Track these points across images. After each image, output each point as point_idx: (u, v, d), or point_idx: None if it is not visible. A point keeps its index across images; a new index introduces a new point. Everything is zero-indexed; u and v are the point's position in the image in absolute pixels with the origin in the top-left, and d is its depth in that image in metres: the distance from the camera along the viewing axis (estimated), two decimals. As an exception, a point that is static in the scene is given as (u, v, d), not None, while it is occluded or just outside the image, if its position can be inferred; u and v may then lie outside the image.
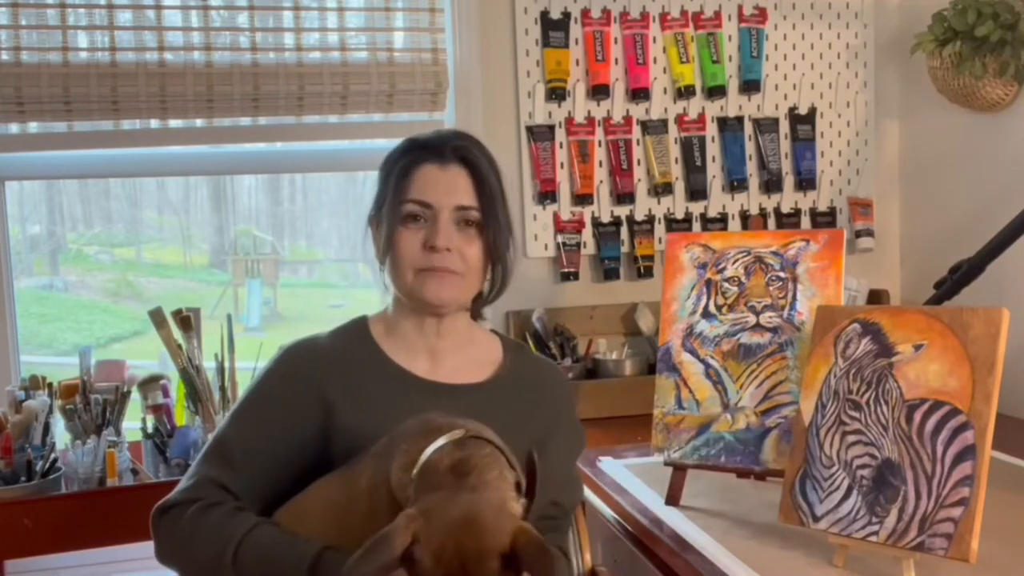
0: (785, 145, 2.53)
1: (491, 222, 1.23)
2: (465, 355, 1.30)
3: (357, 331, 1.29)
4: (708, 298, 1.53)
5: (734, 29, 2.48)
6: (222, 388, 1.90)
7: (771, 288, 1.48)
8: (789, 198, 2.54)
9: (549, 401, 1.32)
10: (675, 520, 1.46)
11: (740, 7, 2.47)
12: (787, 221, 2.52)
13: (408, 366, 1.26)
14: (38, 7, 2.10)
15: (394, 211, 1.22)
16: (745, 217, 2.51)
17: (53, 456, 1.84)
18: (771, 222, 2.52)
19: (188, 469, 1.22)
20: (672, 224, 2.45)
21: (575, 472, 1.36)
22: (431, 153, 1.23)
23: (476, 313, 1.35)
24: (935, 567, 1.22)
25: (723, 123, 2.48)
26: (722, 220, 2.49)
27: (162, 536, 1.16)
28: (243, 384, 1.91)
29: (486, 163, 1.24)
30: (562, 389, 1.36)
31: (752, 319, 1.48)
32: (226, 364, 1.90)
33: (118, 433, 1.89)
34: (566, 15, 2.38)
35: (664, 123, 2.45)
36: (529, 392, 1.30)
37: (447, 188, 1.21)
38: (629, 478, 1.70)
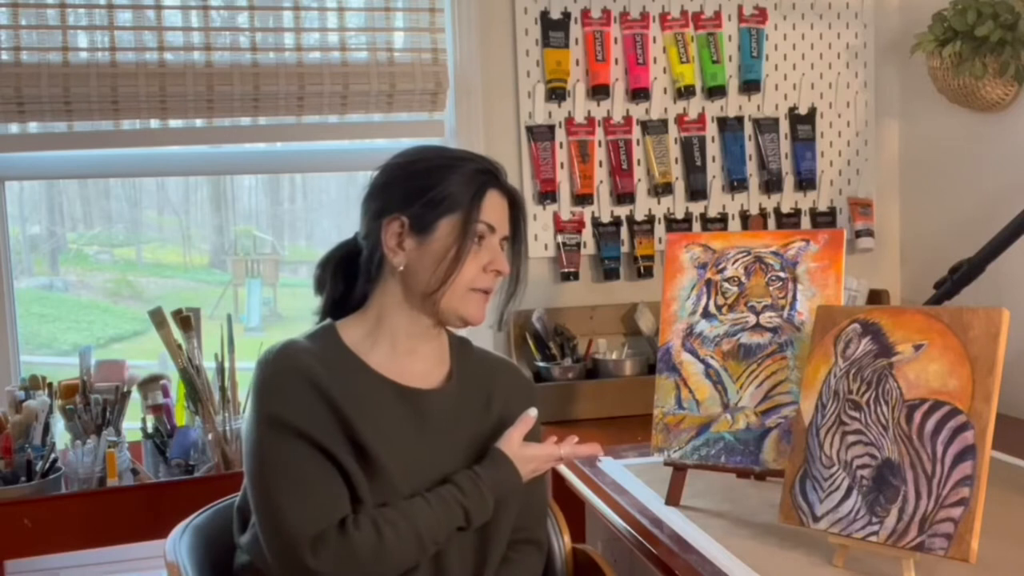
0: (785, 145, 2.53)
1: (519, 253, 1.33)
2: (435, 355, 1.33)
3: (329, 337, 1.28)
4: (708, 298, 1.53)
5: (734, 29, 2.48)
6: (222, 388, 1.90)
7: (771, 288, 1.48)
8: (789, 198, 2.54)
9: (500, 409, 1.33)
10: (675, 520, 1.46)
11: (740, 7, 2.47)
12: (787, 221, 2.52)
13: (383, 369, 1.27)
14: (38, 7, 2.10)
15: (467, 229, 1.24)
16: (745, 217, 2.51)
17: (53, 456, 1.84)
18: (771, 222, 2.52)
19: (261, 504, 1.19)
20: (672, 224, 2.45)
21: (538, 499, 1.38)
22: (497, 179, 1.29)
23: None
24: (935, 567, 1.22)
25: (723, 123, 2.48)
26: (722, 220, 2.49)
27: (334, 564, 1.15)
28: (243, 384, 1.91)
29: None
30: (515, 399, 1.35)
31: (752, 319, 1.48)
32: (226, 364, 1.90)
33: (118, 433, 1.89)
34: (566, 15, 2.38)
35: (664, 123, 2.45)
36: (476, 393, 1.32)
37: (504, 216, 1.29)
38: (629, 478, 1.70)
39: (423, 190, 1.24)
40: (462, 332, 1.40)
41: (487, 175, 1.27)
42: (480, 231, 1.25)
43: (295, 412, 1.18)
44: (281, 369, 1.21)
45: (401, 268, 1.25)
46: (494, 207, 1.27)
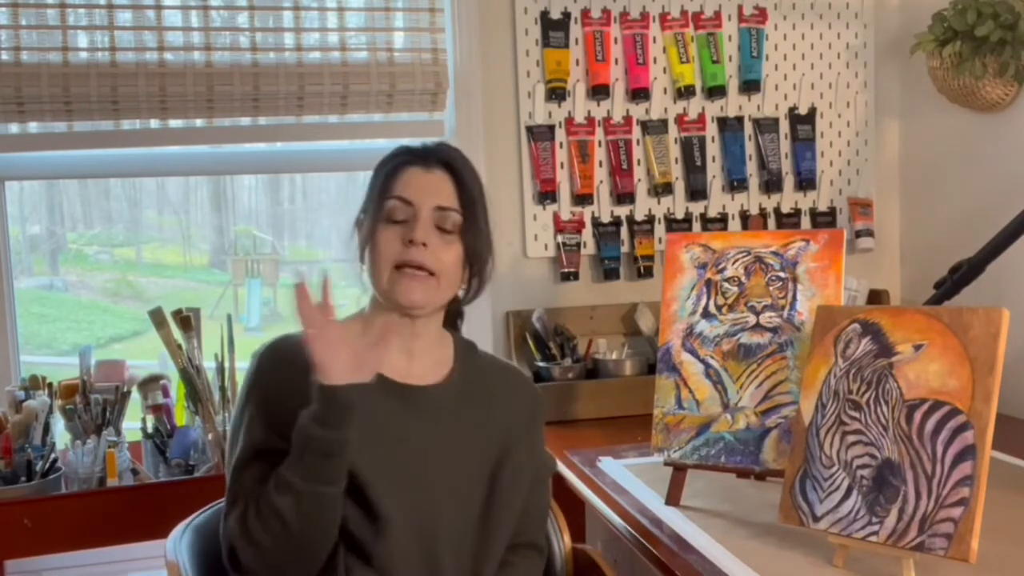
0: (785, 145, 2.53)
1: (471, 226, 1.26)
2: (435, 355, 1.33)
3: None
4: (708, 298, 1.53)
5: (734, 29, 2.48)
6: (222, 388, 1.90)
7: (771, 288, 1.48)
8: (789, 198, 2.54)
9: (504, 411, 1.33)
10: (675, 520, 1.47)
11: (740, 7, 2.47)
12: (787, 221, 2.52)
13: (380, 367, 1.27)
14: (38, 7, 2.10)
15: (377, 208, 1.25)
16: (745, 217, 2.51)
17: (53, 456, 1.84)
18: (771, 222, 2.52)
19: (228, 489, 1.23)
20: (672, 224, 2.45)
21: (542, 501, 1.37)
22: (416, 157, 1.27)
23: (453, 322, 1.38)
24: (935, 567, 1.22)
25: (723, 123, 2.48)
26: (722, 220, 2.49)
27: (242, 544, 1.17)
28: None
29: (469, 172, 1.28)
30: (521, 402, 1.36)
31: (752, 319, 1.49)
32: (226, 364, 1.90)
33: (118, 433, 1.89)
34: (566, 15, 2.38)
35: (664, 123, 2.45)
36: (476, 392, 1.32)
37: (429, 189, 1.25)
38: (629, 478, 1.70)
39: (368, 189, 1.30)
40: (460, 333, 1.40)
41: (404, 155, 1.28)
42: (391, 206, 1.24)
43: (266, 407, 1.21)
44: (262, 363, 1.25)
45: (362, 264, 1.28)
46: (411, 183, 1.25)
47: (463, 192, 1.26)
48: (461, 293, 1.33)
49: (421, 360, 1.30)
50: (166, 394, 1.96)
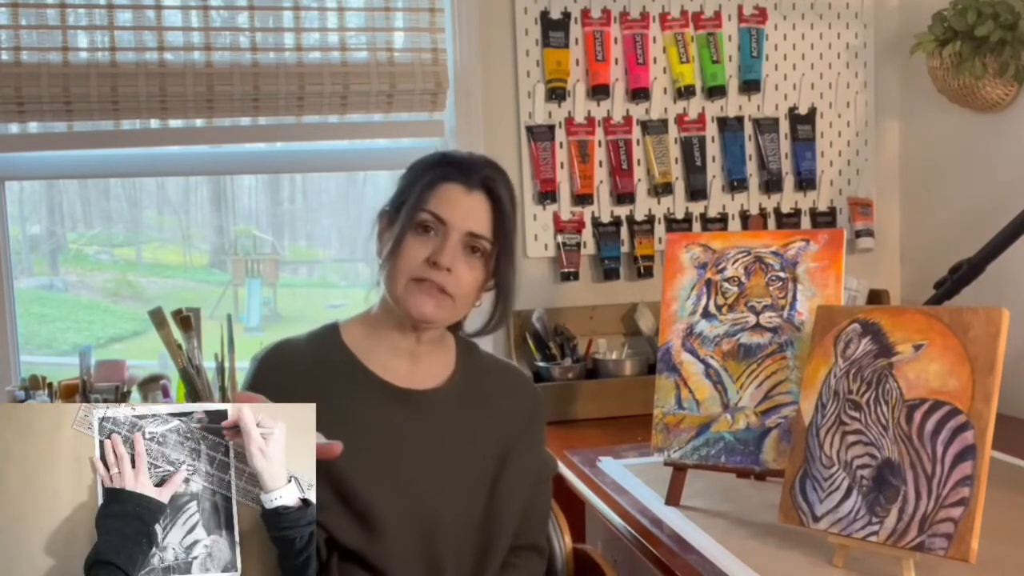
0: (785, 145, 2.53)
1: (503, 256, 1.26)
2: (438, 358, 1.33)
3: (329, 337, 1.29)
4: (708, 298, 1.53)
5: (734, 29, 2.48)
6: (222, 388, 1.90)
7: (771, 288, 1.48)
8: (789, 198, 2.54)
9: (505, 412, 1.33)
10: (675, 520, 1.46)
11: (740, 7, 2.47)
12: (787, 221, 2.52)
13: (381, 371, 1.27)
14: (38, 7, 2.10)
15: (409, 217, 1.23)
16: (745, 217, 2.51)
17: (53, 456, 1.83)
18: (771, 222, 2.52)
19: None
20: (672, 224, 2.45)
21: (543, 502, 1.37)
22: (460, 174, 1.24)
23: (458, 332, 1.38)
24: (935, 567, 1.22)
25: (723, 123, 2.48)
26: (722, 220, 2.49)
27: None
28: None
29: (508, 198, 1.26)
30: (522, 402, 1.36)
31: (752, 319, 1.48)
32: (226, 364, 1.90)
33: (118, 433, 1.89)
34: (566, 15, 2.38)
35: (664, 123, 2.45)
36: (477, 394, 1.31)
37: (465, 211, 1.23)
38: (629, 478, 1.70)
39: (403, 185, 1.27)
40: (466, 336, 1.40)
41: (448, 168, 1.25)
42: (423, 219, 1.22)
43: None
44: (261, 367, 1.25)
45: (380, 262, 1.27)
46: (450, 201, 1.22)
47: (499, 220, 1.24)
48: (485, 318, 1.33)
49: (424, 363, 1.30)
50: (166, 394, 1.96)
